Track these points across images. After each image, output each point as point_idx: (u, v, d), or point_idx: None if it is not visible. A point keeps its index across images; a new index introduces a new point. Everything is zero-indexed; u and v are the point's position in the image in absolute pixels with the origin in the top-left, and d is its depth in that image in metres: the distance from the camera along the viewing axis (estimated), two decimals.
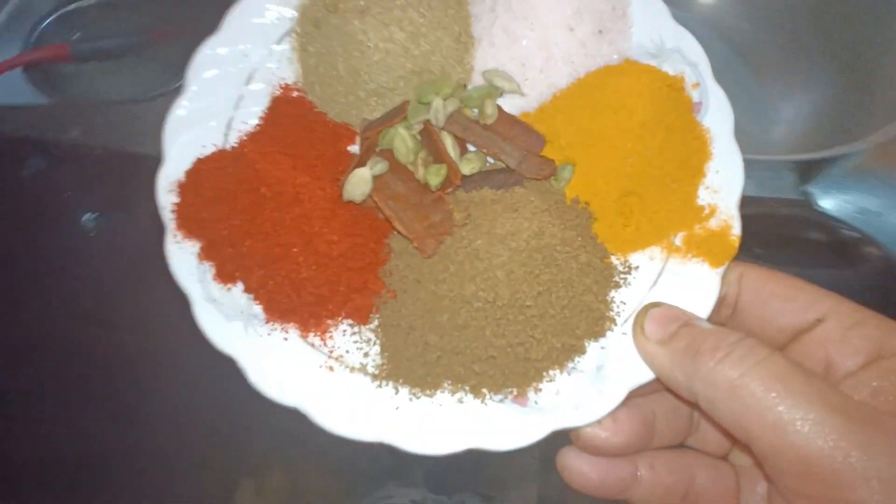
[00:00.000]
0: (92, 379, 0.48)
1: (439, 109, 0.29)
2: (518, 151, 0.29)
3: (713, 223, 0.28)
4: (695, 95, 0.30)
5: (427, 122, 0.30)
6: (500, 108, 0.31)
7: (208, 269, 0.26)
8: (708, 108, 0.30)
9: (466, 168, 0.29)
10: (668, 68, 0.31)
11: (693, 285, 0.27)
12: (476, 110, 0.31)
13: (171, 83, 0.56)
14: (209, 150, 0.29)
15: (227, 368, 0.25)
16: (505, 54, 0.32)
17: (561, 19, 0.31)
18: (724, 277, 0.26)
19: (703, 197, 0.28)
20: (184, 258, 0.26)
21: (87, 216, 0.54)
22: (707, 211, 0.28)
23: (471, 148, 0.30)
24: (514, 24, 0.31)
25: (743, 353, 0.21)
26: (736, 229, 0.27)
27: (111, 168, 0.54)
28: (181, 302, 0.26)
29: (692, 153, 0.29)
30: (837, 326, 0.24)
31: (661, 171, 0.28)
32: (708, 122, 0.29)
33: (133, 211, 0.53)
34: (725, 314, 0.27)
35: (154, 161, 0.30)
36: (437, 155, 0.29)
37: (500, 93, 0.31)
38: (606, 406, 0.24)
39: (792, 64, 0.50)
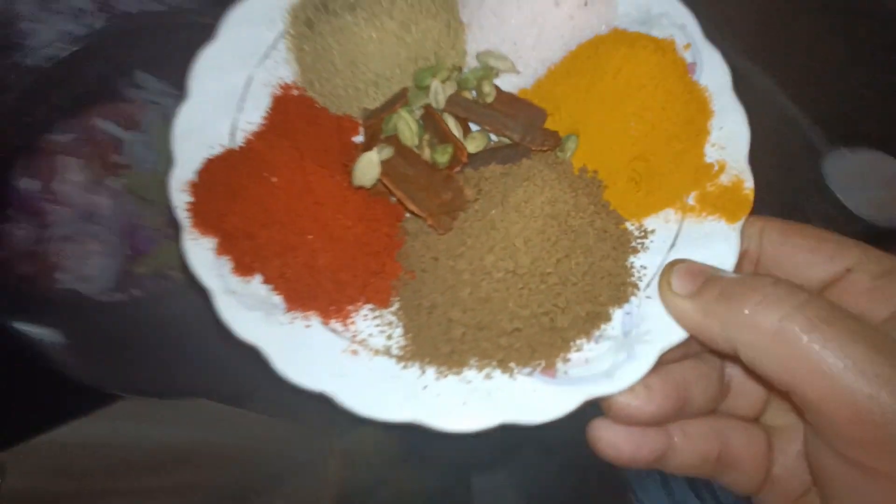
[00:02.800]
0: None
1: (438, 91, 0.28)
2: (521, 125, 0.28)
3: (724, 179, 0.26)
4: (688, 56, 0.29)
5: (428, 106, 0.28)
6: (497, 88, 0.29)
7: (226, 263, 0.25)
8: (703, 67, 0.28)
9: (472, 146, 0.27)
10: (657, 33, 0.29)
11: (712, 243, 0.25)
12: (474, 92, 0.30)
13: None
14: (217, 150, 0.27)
15: None
16: (496, 35, 0.31)
17: None
18: (743, 232, 0.25)
19: (711, 154, 0.27)
20: (201, 255, 0.25)
21: None
22: (717, 168, 0.26)
23: (474, 128, 0.29)
24: (501, 6, 0.30)
25: (782, 295, 0.19)
26: (749, 182, 0.26)
27: None
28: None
29: (694, 112, 0.27)
30: (866, 276, 0.22)
31: (665, 133, 0.27)
32: (704, 80, 0.28)
33: None
34: (748, 270, 0.25)
35: None
36: (442, 136, 0.27)
37: (496, 73, 0.30)
38: (638, 371, 0.22)
39: None
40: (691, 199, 0.26)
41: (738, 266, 0.25)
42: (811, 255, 0.23)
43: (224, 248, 0.25)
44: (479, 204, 0.25)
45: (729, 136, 0.27)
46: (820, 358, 0.18)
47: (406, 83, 0.29)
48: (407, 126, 0.27)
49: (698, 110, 0.27)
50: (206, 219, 0.25)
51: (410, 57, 0.29)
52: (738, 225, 0.25)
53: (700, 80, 0.28)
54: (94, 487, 0.36)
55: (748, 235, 0.25)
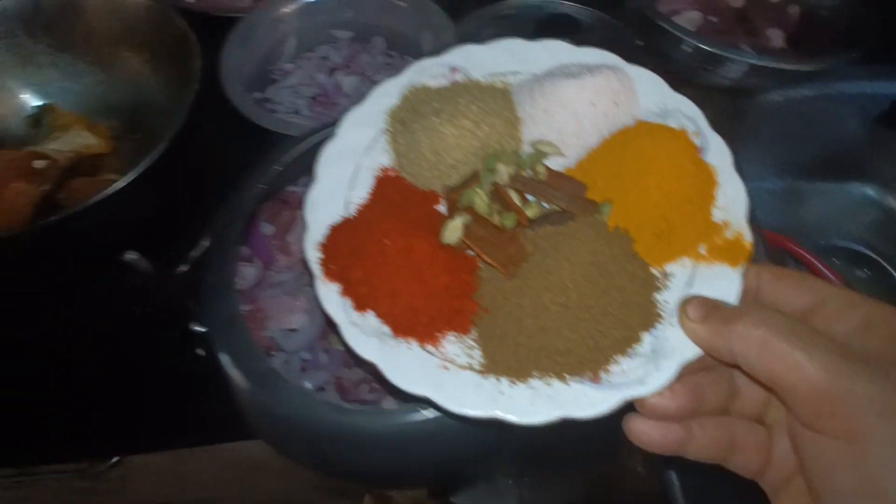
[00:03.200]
0: None
1: (503, 172, 0.37)
2: (566, 196, 0.36)
3: (728, 234, 0.33)
4: (697, 141, 0.37)
5: (495, 183, 0.37)
6: (547, 167, 0.38)
7: (348, 302, 0.33)
8: (709, 149, 0.36)
9: (530, 212, 0.36)
10: (673, 123, 0.38)
11: (721, 282, 0.32)
12: (529, 171, 0.38)
13: None
14: (336, 219, 0.37)
15: None
16: (545, 128, 0.39)
17: (585, 99, 0.38)
18: (744, 275, 0.32)
19: (717, 215, 0.34)
20: (330, 296, 0.33)
21: None
22: (722, 225, 0.34)
23: (530, 198, 0.38)
24: (549, 106, 0.39)
25: (766, 317, 0.26)
26: (747, 237, 0.33)
27: None
28: None
29: (702, 184, 0.35)
30: (836, 307, 0.28)
31: (680, 200, 0.34)
32: (710, 159, 0.36)
33: None
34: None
35: None
36: (506, 205, 0.36)
37: (546, 156, 0.39)
38: (664, 379, 0.29)
39: None
40: (702, 249, 0.33)
41: (743, 300, 0.31)
42: (795, 291, 0.29)
43: (346, 291, 0.34)
44: (536, 256, 0.33)
45: (731, 202, 0.34)
46: (792, 358, 0.24)
47: (477, 166, 0.38)
48: (480, 199, 0.36)
49: (706, 182, 0.35)
50: (333, 270, 0.34)
51: (480, 146, 0.38)
52: (740, 269, 0.32)
53: (707, 159, 0.36)
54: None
55: (748, 278, 0.31)
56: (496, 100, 0.40)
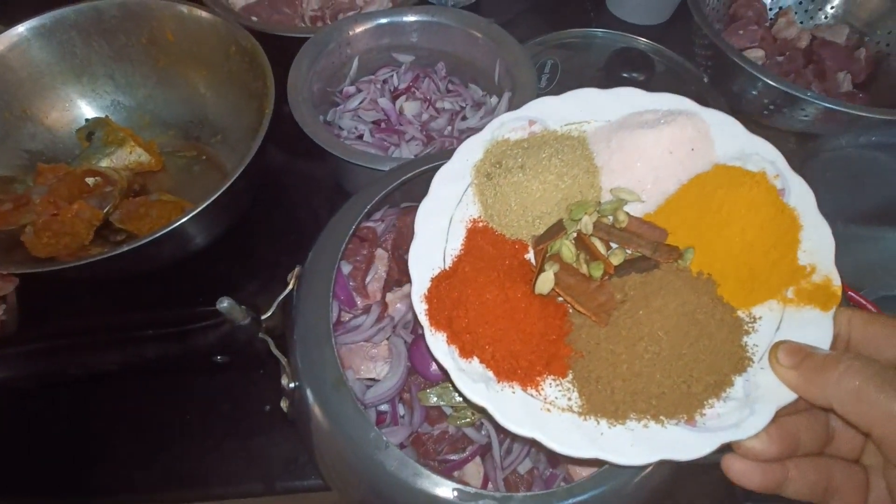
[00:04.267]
0: None
1: (587, 222, 0.39)
2: (650, 244, 0.38)
3: (816, 278, 0.34)
4: (777, 184, 0.37)
5: (579, 232, 0.39)
6: (628, 214, 0.40)
7: (454, 349, 0.36)
8: (790, 191, 0.37)
9: (614, 259, 0.38)
10: (752, 166, 0.38)
11: (811, 327, 0.32)
12: (611, 217, 0.40)
13: None
14: (436, 270, 0.40)
15: None
16: (623, 176, 0.41)
17: (662, 148, 0.40)
18: (835, 319, 0.32)
19: (803, 259, 0.35)
20: (438, 344, 0.37)
21: None
22: (809, 269, 0.34)
23: (613, 245, 0.39)
24: (627, 157, 0.41)
25: (860, 366, 0.27)
26: (836, 281, 0.33)
27: None
28: None
29: (786, 228, 0.35)
30: None
31: (763, 246, 0.35)
32: (793, 202, 0.36)
33: None
34: (841, 348, 0.32)
35: None
36: (592, 254, 0.38)
37: (625, 203, 0.41)
38: (759, 424, 0.30)
39: None
40: (790, 293, 0.34)
41: (834, 346, 0.32)
42: (887, 339, 0.30)
43: (452, 340, 0.37)
44: (627, 305, 0.35)
45: (817, 245, 0.35)
46: (887, 408, 0.25)
47: (561, 215, 0.41)
48: (568, 250, 0.38)
49: (789, 226, 0.36)
50: (438, 320, 0.37)
51: (563, 197, 0.40)
52: (831, 313, 0.33)
53: (789, 202, 0.36)
54: None
55: (839, 322, 0.32)
56: (574, 150, 0.42)
